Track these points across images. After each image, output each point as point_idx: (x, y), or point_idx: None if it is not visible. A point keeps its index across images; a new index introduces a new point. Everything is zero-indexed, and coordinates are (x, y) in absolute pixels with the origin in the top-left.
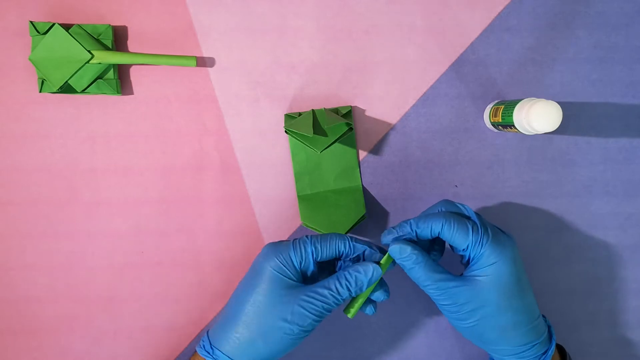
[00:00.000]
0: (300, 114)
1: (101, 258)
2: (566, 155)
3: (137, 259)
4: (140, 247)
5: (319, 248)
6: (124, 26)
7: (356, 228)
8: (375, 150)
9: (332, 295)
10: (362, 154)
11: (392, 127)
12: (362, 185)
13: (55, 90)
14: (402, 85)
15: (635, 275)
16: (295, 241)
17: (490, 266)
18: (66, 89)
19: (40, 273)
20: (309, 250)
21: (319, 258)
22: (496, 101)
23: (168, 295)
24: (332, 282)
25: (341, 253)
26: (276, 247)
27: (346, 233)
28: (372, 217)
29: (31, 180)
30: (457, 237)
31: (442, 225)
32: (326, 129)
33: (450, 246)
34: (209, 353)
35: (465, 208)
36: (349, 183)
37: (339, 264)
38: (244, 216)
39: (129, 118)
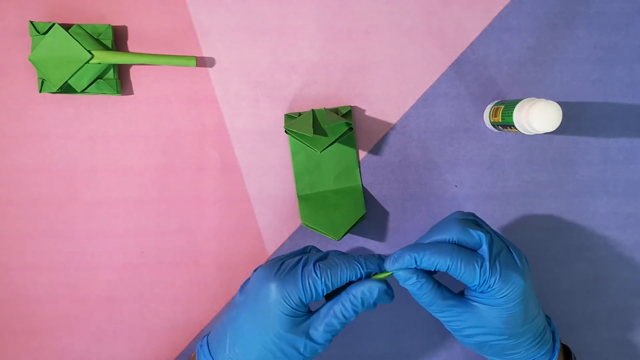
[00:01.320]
0: (300, 114)
1: (101, 258)
2: (566, 155)
3: (137, 259)
4: (140, 247)
5: (329, 284)
6: (124, 26)
7: (356, 228)
8: (375, 150)
9: (340, 323)
10: (362, 154)
11: (392, 127)
12: (362, 185)
13: (55, 90)
14: (402, 85)
15: (635, 275)
16: (304, 280)
17: (498, 299)
18: (66, 89)
19: (40, 273)
20: (320, 289)
21: (328, 291)
22: (496, 101)
23: (168, 295)
24: (338, 309)
25: (351, 278)
26: (282, 285)
27: (346, 233)
28: (372, 217)
29: (31, 180)
30: (465, 278)
31: (448, 266)
32: (326, 128)
33: None
34: None
35: (476, 233)
36: (349, 183)
37: None
38: (244, 216)
39: (129, 118)
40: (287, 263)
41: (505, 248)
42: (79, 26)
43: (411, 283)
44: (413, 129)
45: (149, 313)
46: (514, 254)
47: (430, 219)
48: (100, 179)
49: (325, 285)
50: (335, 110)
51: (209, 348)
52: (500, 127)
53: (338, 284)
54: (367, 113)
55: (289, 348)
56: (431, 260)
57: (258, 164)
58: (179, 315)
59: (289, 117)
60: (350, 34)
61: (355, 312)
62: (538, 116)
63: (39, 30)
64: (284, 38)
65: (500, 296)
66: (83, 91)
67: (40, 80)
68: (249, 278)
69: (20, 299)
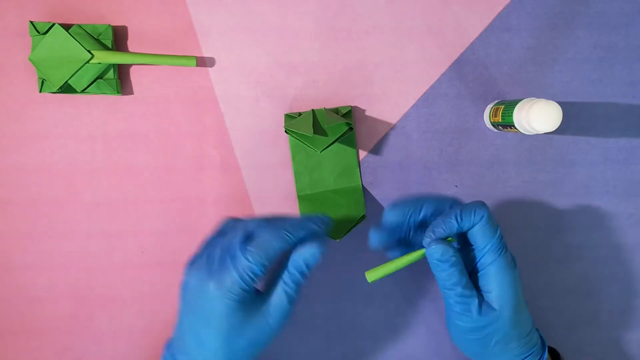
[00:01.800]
0: (300, 114)
1: (101, 258)
2: (566, 155)
3: (137, 259)
4: (140, 247)
5: (266, 263)
6: (124, 26)
7: (356, 228)
8: (375, 150)
9: (295, 292)
10: (362, 154)
11: (392, 127)
12: (362, 185)
13: (55, 90)
14: (402, 85)
15: (635, 275)
16: (239, 270)
17: (504, 284)
18: (66, 89)
19: (40, 273)
20: (258, 271)
21: (268, 269)
22: (496, 101)
23: (168, 295)
24: (282, 290)
25: (286, 249)
26: (220, 283)
27: (346, 233)
28: (372, 217)
29: (31, 180)
30: (488, 232)
31: (483, 215)
32: (326, 128)
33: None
34: None
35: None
36: (349, 183)
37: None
38: (244, 216)
39: (129, 118)
40: (214, 255)
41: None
42: (79, 26)
43: (447, 257)
44: (413, 129)
45: (149, 313)
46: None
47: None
48: (100, 179)
49: (262, 265)
50: (336, 110)
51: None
52: (500, 127)
53: (273, 258)
54: (367, 113)
55: (252, 334)
56: (469, 213)
57: (258, 164)
58: None
59: (289, 117)
60: (350, 34)
61: (300, 285)
62: (538, 116)
63: (39, 30)
64: (284, 38)
65: (505, 277)
66: (83, 91)
67: (40, 80)
68: (184, 281)
69: (21, 299)
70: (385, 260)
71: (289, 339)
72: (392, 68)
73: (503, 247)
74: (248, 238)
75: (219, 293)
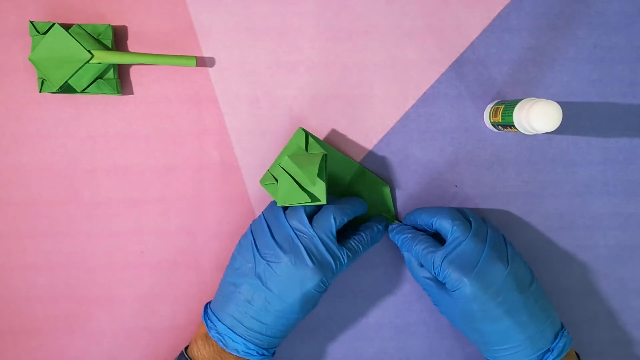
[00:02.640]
0: (273, 176)
1: (101, 258)
2: (566, 155)
3: (137, 259)
4: (140, 247)
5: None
6: (124, 26)
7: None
8: (375, 150)
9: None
10: (362, 154)
11: (392, 127)
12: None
13: (55, 90)
14: (402, 85)
15: (635, 275)
16: (336, 264)
17: (452, 292)
18: (66, 89)
19: (40, 273)
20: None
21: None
22: (496, 101)
23: (168, 295)
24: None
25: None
26: (321, 275)
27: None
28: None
29: (31, 180)
30: (424, 262)
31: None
32: (303, 179)
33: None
34: (264, 355)
35: (451, 225)
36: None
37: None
38: (244, 216)
39: (129, 118)
40: (311, 248)
41: (484, 252)
42: (79, 26)
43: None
44: (413, 129)
45: (149, 313)
46: (495, 262)
47: None
48: (100, 179)
49: (350, 258)
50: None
51: (249, 340)
52: (500, 127)
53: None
54: (367, 113)
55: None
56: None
57: (258, 164)
58: (179, 315)
59: (269, 178)
60: (350, 34)
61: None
62: (538, 116)
63: (39, 30)
64: (284, 38)
65: (451, 289)
66: (83, 91)
67: (40, 80)
68: (273, 267)
69: (20, 299)
70: (385, 261)
71: (289, 339)
72: (392, 68)
73: (441, 268)
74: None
75: (319, 285)
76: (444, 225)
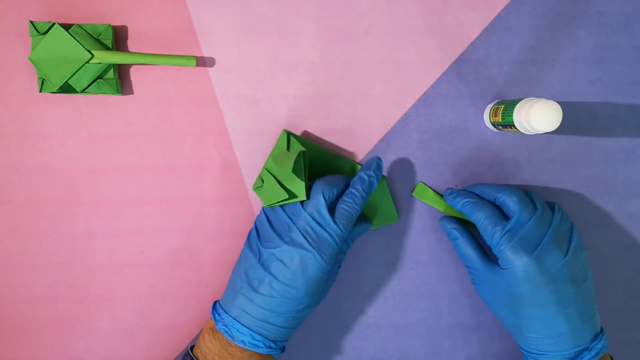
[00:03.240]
0: (262, 180)
1: (101, 258)
2: (566, 155)
3: (137, 259)
4: (140, 247)
5: (352, 225)
6: (124, 26)
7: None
8: (375, 150)
9: (343, 257)
10: (362, 154)
11: (392, 127)
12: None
13: (55, 90)
14: (402, 85)
15: (635, 275)
16: (335, 241)
17: (504, 270)
18: (66, 88)
19: (40, 273)
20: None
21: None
22: (496, 101)
23: (168, 295)
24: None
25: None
26: (321, 253)
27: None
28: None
29: (31, 180)
30: (484, 234)
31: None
32: (285, 178)
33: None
34: (272, 347)
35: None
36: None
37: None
38: (244, 216)
39: (129, 118)
40: (308, 230)
41: (547, 236)
42: (79, 26)
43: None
44: (413, 129)
45: (149, 313)
46: (554, 249)
47: (430, 218)
48: (100, 179)
49: (350, 228)
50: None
51: (255, 330)
52: (500, 127)
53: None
54: (367, 113)
55: (323, 291)
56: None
57: (258, 164)
58: (179, 315)
59: (259, 182)
60: (350, 34)
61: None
62: (538, 116)
63: (39, 30)
64: (284, 38)
65: (504, 266)
66: (83, 91)
67: (40, 80)
68: (273, 254)
69: (20, 299)
70: (385, 261)
71: (289, 339)
72: (392, 68)
73: (501, 240)
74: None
75: (320, 263)
76: (510, 202)
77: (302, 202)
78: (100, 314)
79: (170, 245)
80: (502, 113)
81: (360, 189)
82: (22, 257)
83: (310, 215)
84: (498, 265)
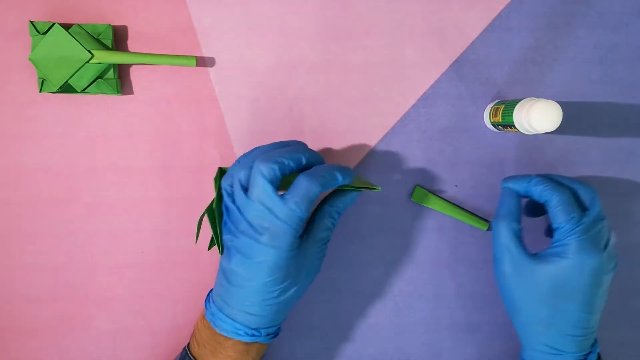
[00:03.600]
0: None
1: (101, 258)
2: (566, 155)
3: (137, 259)
4: (140, 247)
5: (310, 207)
6: (124, 26)
7: (355, 227)
8: (375, 150)
9: (331, 231)
10: (362, 154)
11: (392, 127)
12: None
13: (55, 90)
14: (402, 85)
15: (635, 275)
16: (290, 222)
17: (561, 258)
18: (66, 88)
19: (40, 273)
20: (305, 216)
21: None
22: (496, 101)
23: (168, 295)
24: (329, 223)
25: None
26: (274, 237)
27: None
28: (373, 217)
29: (31, 180)
30: (557, 213)
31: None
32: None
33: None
34: (255, 335)
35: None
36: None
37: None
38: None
39: (129, 118)
40: (259, 212)
41: (612, 240)
42: (79, 26)
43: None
44: (413, 129)
45: (149, 313)
46: (614, 255)
47: (430, 219)
48: (100, 179)
49: (307, 211)
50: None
51: (233, 319)
52: (500, 127)
53: (314, 201)
54: (367, 113)
55: (301, 275)
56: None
57: None
58: (179, 315)
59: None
60: (350, 34)
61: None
62: (538, 116)
63: (39, 30)
64: (284, 38)
65: (563, 256)
66: (83, 91)
67: (40, 80)
68: (237, 241)
69: (20, 299)
70: (385, 261)
71: (289, 339)
72: (392, 68)
73: (577, 232)
74: (277, 180)
75: (276, 251)
76: (587, 196)
77: (245, 190)
78: (100, 314)
79: (170, 245)
80: (502, 113)
81: (327, 176)
82: (22, 257)
83: (258, 202)
84: (543, 253)
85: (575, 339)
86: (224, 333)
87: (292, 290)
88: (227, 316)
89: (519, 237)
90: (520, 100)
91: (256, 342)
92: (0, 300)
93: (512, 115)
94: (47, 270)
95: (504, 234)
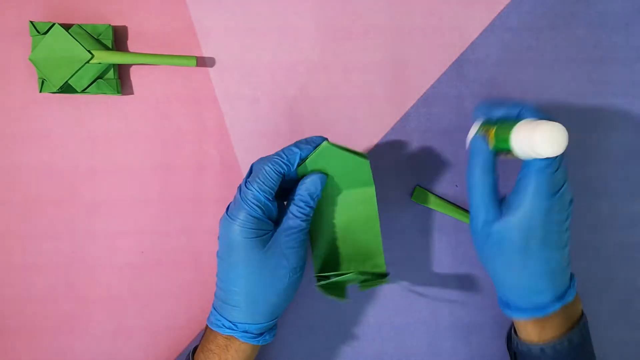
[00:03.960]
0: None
1: (101, 258)
2: (566, 154)
3: (137, 259)
4: (140, 247)
5: (266, 188)
6: (124, 26)
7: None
8: (376, 150)
9: (303, 220)
10: None
11: (392, 127)
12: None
13: (55, 90)
14: (402, 85)
15: (635, 275)
16: (244, 199)
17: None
18: (66, 89)
19: (40, 273)
20: (261, 196)
21: (272, 195)
22: (481, 120)
23: (168, 295)
24: (294, 210)
25: (284, 173)
26: (231, 215)
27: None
28: None
29: (31, 180)
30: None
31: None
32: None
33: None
34: (232, 329)
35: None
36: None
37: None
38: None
39: (129, 118)
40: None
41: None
42: (79, 26)
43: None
44: (413, 129)
45: (149, 313)
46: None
47: (430, 219)
48: (100, 179)
49: (262, 190)
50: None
51: (217, 310)
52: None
53: (273, 184)
54: (367, 113)
55: (273, 267)
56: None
57: None
58: (179, 315)
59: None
60: (350, 34)
61: (310, 205)
62: (543, 140)
63: (39, 30)
64: (284, 38)
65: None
66: (83, 91)
67: (40, 80)
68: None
69: (20, 299)
70: (386, 259)
71: (289, 339)
72: (392, 68)
73: (550, 169)
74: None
75: (235, 226)
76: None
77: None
78: (100, 314)
79: (170, 245)
80: (495, 137)
81: (283, 154)
82: (22, 257)
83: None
84: (508, 200)
85: (551, 278)
86: (209, 324)
87: (261, 283)
88: (214, 307)
89: (493, 195)
90: (512, 122)
91: (233, 336)
92: (0, 300)
93: (508, 141)
94: (47, 270)
95: (480, 194)
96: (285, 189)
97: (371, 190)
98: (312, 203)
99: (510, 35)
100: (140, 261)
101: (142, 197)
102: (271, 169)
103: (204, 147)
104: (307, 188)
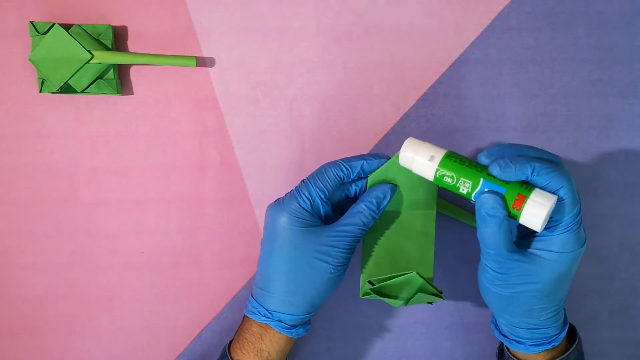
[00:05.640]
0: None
1: (101, 258)
2: (566, 155)
3: (137, 259)
4: (140, 247)
5: (321, 184)
6: (124, 26)
7: None
8: (376, 150)
9: (358, 227)
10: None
11: (392, 127)
12: None
13: (55, 90)
14: (402, 85)
15: (635, 275)
16: (299, 192)
17: (556, 253)
18: (66, 89)
19: (40, 273)
20: (313, 191)
21: (325, 195)
22: (428, 156)
23: (168, 295)
24: (355, 210)
25: (342, 177)
26: (281, 203)
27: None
28: None
29: (31, 180)
30: (565, 208)
31: (563, 186)
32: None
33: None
34: (267, 317)
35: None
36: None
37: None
38: (244, 216)
39: (129, 118)
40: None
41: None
42: (79, 26)
43: (498, 209)
44: (413, 129)
45: (149, 313)
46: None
47: None
48: (100, 179)
49: (316, 186)
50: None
51: (259, 304)
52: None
53: (329, 185)
54: (367, 113)
55: (314, 260)
56: (546, 177)
57: (258, 164)
58: (179, 315)
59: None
60: (350, 34)
61: (372, 216)
62: (526, 215)
63: (39, 30)
64: (284, 38)
65: (560, 250)
66: (83, 91)
67: (40, 80)
68: (265, 218)
69: (20, 299)
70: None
71: None
72: (392, 68)
73: (576, 224)
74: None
75: (284, 213)
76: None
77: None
78: (100, 314)
79: (170, 245)
80: (452, 186)
81: (346, 160)
82: (22, 257)
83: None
84: (534, 249)
85: (557, 316)
86: (245, 312)
87: (299, 273)
88: (252, 296)
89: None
90: (467, 165)
91: (267, 324)
92: (0, 300)
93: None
94: (47, 270)
95: (503, 230)
96: (346, 201)
97: (432, 213)
98: (376, 210)
99: (510, 35)
100: (140, 261)
101: (142, 197)
102: (330, 169)
103: (204, 147)
104: (376, 195)
